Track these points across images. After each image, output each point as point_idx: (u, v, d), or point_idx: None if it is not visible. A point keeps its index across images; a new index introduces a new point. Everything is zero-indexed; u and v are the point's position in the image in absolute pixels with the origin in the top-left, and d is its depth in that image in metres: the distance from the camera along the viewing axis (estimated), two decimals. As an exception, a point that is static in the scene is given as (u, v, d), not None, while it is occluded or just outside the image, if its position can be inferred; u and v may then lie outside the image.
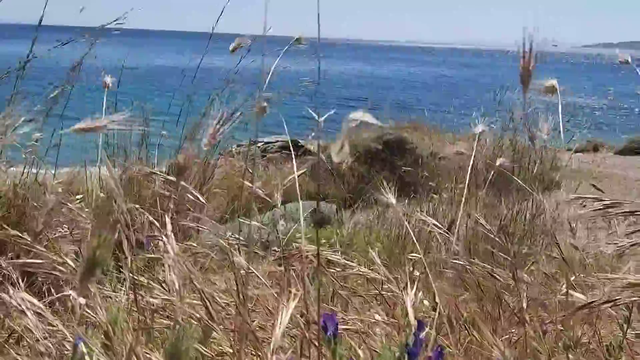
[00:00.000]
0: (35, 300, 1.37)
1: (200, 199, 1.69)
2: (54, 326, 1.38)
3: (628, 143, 12.96)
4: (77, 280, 0.98)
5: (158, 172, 1.89)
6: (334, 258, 1.75)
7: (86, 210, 2.72)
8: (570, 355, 1.32)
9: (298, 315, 1.38)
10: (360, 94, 28.12)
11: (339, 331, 1.19)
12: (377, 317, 1.56)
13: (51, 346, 1.38)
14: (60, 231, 2.87)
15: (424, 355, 1.08)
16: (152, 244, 1.81)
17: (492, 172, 2.54)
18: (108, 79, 2.03)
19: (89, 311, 1.33)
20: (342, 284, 1.85)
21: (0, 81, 3.32)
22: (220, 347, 1.42)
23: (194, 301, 1.38)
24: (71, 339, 1.31)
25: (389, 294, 1.71)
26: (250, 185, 1.72)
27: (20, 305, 1.34)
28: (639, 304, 1.46)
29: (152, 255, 1.78)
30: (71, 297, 1.59)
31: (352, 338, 1.48)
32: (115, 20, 3.72)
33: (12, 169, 3.25)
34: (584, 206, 1.45)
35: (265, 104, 1.75)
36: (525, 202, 4.04)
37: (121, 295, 1.65)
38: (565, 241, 1.67)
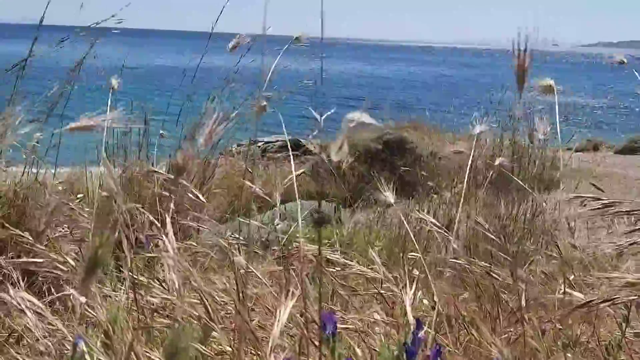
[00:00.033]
0: (35, 300, 1.37)
1: (201, 198, 1.70)
2: (53, 325, 1.38)
3: (628, 142, 12.96)
4: (79, 279, 0.99)
5: (158, 171, 1.89)
6: (333, 257, 1.75)
7: (86, 209, 2.72)
8: (568, 354, 1.32)
9: (298, 315, 1.38)
10: (360, 94, 28.13)
11: (339, 330, 1.19)
12: (376, 316, 1.56)
13: (51, 345, 1.38)
14: (60, 231, 2.87)
15: (422, 354, 1.08)
16: (151, 244, 1.81)
17: (492, 172, 2.54)
18: (114, 82, 2.03)
19: (89, 310, 1.33)
20: (342, 282, 1.85)
21: (0, 81, 3.32)
22: (220, 347, 1.42)
23: (194, 300, 1.38)
24: (71, 338, 1.31)
25: (388, 293, 1.72)
26: (250, 185, 1.72)
27: (20, 305, 1.35)
28: (638, 303, 1.47)
29: (152, 255, 1.78)
30: (71, 297, 1.60)
31: (351, 337, 1.49)
32: (112, 16, 3.72)
33: (11, 168, 3.25)
34: (584, 205, 1.46)
35: (264, 102, 1.76)
36: (525, 201, 4.04)
37: (121, 294, 1.66)
38: (564, 240, 1.68)
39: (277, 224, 3.12)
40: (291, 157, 2.18)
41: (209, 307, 1.30)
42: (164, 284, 1.58)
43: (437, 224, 1.82)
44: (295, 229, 2.36)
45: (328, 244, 3.48)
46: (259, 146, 9.71)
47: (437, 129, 10.93)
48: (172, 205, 1.46)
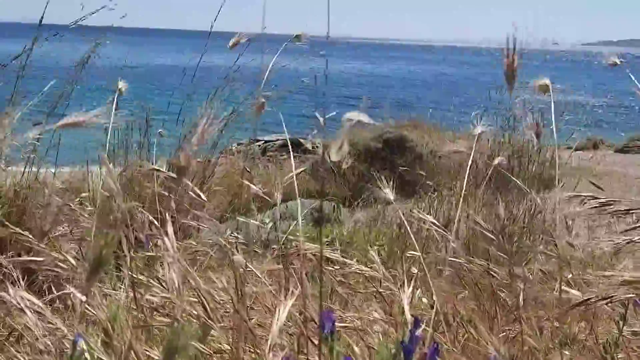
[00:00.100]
0: (34, 299, 1.38)
1: (202, 196, 1.70)
2: (53, 324, 1.39)
3: (628, 141, 12.97)
4: (84, 279, 1.00)
5: (160, 170, 1.89)
6: (332, 256, 1.76)
7: (88, 208, 2.73)
8: (566, 352, 1.33)
9: (297, 313, 1.39)
10: (360, 93, 28.13)
11: (337, 329, 1.20)
12: (375, 314, 1.56)
13: (51, 344, 1.39)
14: (60, 229, 2.88)
15: (420, 352, 1.09)
16: (151, 243, 1.82)
17: (491, 171, 2.54)
18: (121, 84, 2.04)
19: (89, 309, 1.34)
20: (342, 279, 1.86)
21: (0, 80, 3.33)
22: (219, 345, 1.42)
23: (193, 299, 1.39)
24: (71, 337, 1.32)
25: (387, 292, 1.72)
26: (250, 184, 1.73)
27: (20, 304, 1.35)
28: (635, 301, 1.47)
29: (151, 254, 1.79)
30: (71, 295, 1.60)
31: (350, 335, 1.49)
32: (103, 7, 3.73)
33: (11, 168, 3.25)
34: (585, 204, 1.46)
35: (263, 100, 1.76)
36: (524, 200, 4.05)
37: (121, 293, 1.66)
38: (563, 239, 1.68)
39: (269, 224, 3.13)
40: (291, 156, 2.19)
41: (206, 305, 1.31)
42: (163, 283, 1.58)
43: (437, 223, 1.82)
44: (295, 227, 2.37)
45: (327, 243, 3.49)
46: (259, 145, 9.71)
47: (437, 127, 10.91)
48: (172, 204, 1.47)
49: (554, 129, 1.51)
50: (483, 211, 3.64)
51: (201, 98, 4.67)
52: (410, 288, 1.37)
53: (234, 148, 7.39)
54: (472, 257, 1.92)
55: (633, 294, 1.26)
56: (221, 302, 1.52)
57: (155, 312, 1.58)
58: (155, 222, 1.58)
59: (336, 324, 1.21)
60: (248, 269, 1.62)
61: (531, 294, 1.64)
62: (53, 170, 3.64)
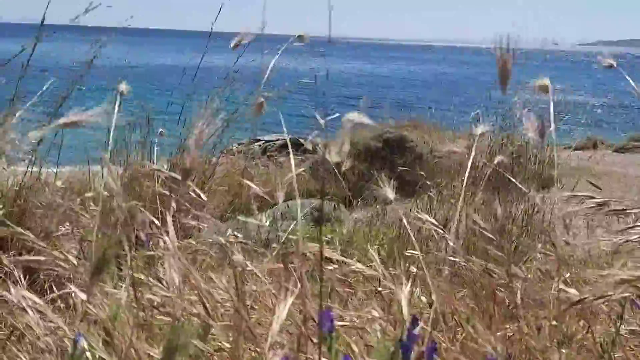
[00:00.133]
0: (36, 298, 1.39)
1: (202, 196, 1.71)
2: (54, 323, 1.40)
3: (627, 141, 12.97)
4: (87, 278, 1.01)
5: (162, 169, 1.90)
6: (332, 256, 1.77)
7: (90, 208, 2.74)
8: (563, 351, 1.33)
9: (297, 312, 1.40)
10: (360, 93, 28.11)
11: (337, 327, 1.21)
12: (374, 313, 1.57)
13: (52, 343, 1.40)
14: (61, 229, 2.89)
15: (418, 350, 1.10)
16: (152, 242, 1.82)
17: (490, 171, 2.55)
18: (123, 86, 2.04)
19: (90, 308, 1.35)
20: (342, 277, 1.86)
21: (0, 80, 3.34)
22: (219, 344, 1.43)
23: (193, 298, 1.39)
24: (72, 336, 1.33)
25: (386, 290, 1.73)
26: (250, 185, 1.73)
27: (21, 303, 1.36)
28: (632, 300, 1.48)
29: (152, 253, 1.80)
30: (72, 295, 1.61)
31: (349, 334, 1.50)
32: (99, 4, 3.74)
33: (12, 167, 3.27)
34: (583, 203, 1.47)
35: (262, 99, 1.77)
36: (523, 199, 4.06)
37: (121, 292, 1.67)
38: (560, 238, 1.69)
39: (269, 223, 3.13)
40: (291, 155, 2.19)
41: (206, 304, 1.32)
42: (164, 282, 1.59)
43: (435, 223, 1.83)
44: (295, 226, 2.37)
45: (327, 242, 3.50)
46: (260, 145, 9.72)
47: (437, 127, 10.92)
48: (173, 204, 1.48)
49: (553, 129, 1.51)
50: (482, 211, 3.65)
51: (202, 98, 4.68)
52: (409, 287, 1.38)
53: (234, 148, 7.40)
54: (471, 257, 1.93)
55: (630, 292, 1.27)
56: (221, 301, 1.53)
57: (155, 311, 1.59)
58: (156, 222, 1.59)
59: (335, 322, 1.21)
60: (248, 268, 1.63)
61: (529, 293, 1.64)
62: (54, 170, 3.65)
